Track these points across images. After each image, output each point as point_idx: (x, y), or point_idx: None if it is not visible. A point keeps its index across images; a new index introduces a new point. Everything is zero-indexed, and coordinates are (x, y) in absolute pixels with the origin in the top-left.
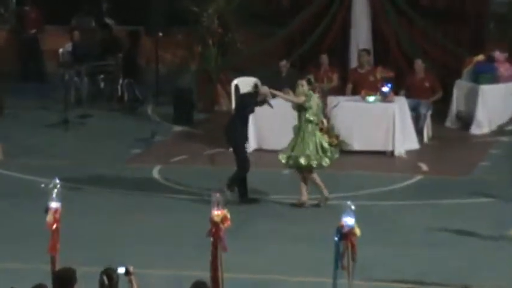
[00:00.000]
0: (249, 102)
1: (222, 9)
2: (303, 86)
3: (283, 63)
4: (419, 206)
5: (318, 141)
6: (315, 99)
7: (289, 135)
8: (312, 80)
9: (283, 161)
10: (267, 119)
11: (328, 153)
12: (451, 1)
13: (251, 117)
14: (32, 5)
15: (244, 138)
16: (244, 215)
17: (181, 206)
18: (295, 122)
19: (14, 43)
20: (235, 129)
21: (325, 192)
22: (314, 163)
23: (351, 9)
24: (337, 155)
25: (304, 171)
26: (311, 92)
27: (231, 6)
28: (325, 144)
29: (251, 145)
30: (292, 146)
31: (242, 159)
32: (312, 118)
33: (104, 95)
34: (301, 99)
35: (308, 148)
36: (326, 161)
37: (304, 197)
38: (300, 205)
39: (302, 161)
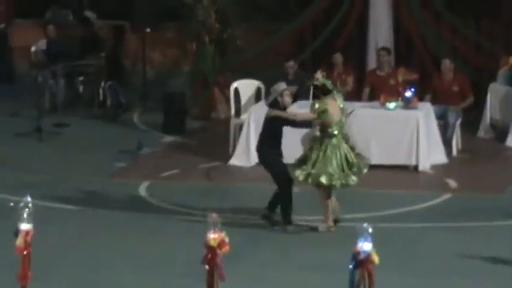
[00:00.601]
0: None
1: (220, 1)
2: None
3: (291, 64)
4: (447, 229)
5: (342, 155)
6: (332, 104)
7: (295, 148)
8: (322, 80)
9: (301, 178)
10: None
11: (354, 169)
12: None
13: (252, 127)
14: None
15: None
16: (245, 238)
17: (171, 228)
18: (301, 132)
19: None
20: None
21: (330, 221)
22: (338, 183)
23: (368, 1)
24: (365, 169)
25: (325, 190)
26: (324, 100)
27: None
28: (351, 158)
29: (254, 158)
30: (314, 161)
31: (276, 175)
32: (334, 131)
33: (83, 100)
34: (309, 115)
35: (331, 165)
36: (353, 179)
37: (330, 219)
38: (327, 230)
39: (323, 180)
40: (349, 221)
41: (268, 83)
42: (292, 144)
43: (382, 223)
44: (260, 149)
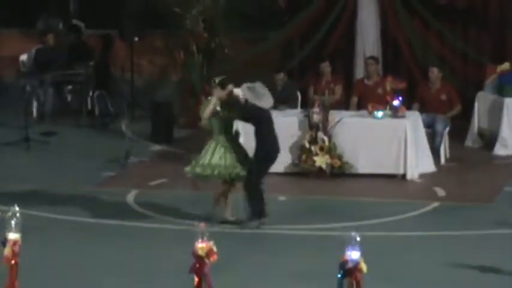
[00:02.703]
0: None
1: (208, 10)
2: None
3: (280, 76)
4: (435, 238)
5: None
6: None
7: (283, 157)
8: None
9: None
10: None
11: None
12: (472, 0)
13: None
14: None
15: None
16: (233, 247)
17: (159, 236)
18: (293, 140)
19: None
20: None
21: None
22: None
23: (356, 9)
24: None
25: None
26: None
27: (219, 6)
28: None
29: None
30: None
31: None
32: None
33: (71, 109)
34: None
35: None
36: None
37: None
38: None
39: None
40: (338, 229)
41: None
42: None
43: (370, 232)
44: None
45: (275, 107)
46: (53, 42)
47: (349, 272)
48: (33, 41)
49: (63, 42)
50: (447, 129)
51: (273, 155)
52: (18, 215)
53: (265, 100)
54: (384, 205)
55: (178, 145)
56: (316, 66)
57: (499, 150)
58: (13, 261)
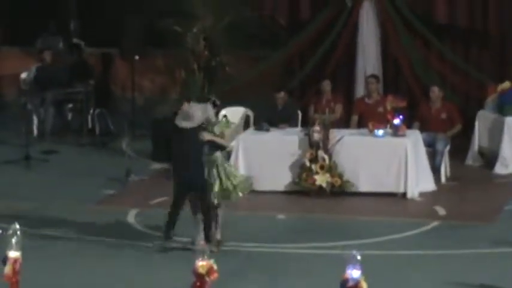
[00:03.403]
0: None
1: (209, 28)
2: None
3: (281, 95)
4: (435, 257)
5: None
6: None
7: (284, 175)
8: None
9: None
10: (259, 157)
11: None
12: (472, 20)
13: (241, 154)
14: None
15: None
16: (234, 266)
17: (160, 255)
18: (293, 159)
19: None
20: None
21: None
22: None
23: (357, 27)
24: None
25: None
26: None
27: (220, 25)
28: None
29: None
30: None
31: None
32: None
33: (71, 128)
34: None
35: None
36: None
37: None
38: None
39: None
40: (338, 248)
41: (257, 110)
42: (281, 171)
43: (371, 250)
44: (201, 172)
45: (276, 125)
46: (50, 60)
47: None
48: (34, 59)
49: (64, 60)
50: (447, 148)
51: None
52: (18, 233)
53: (190, 121)
54: (384, 224)
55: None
56: (316, 85)
57: (500, 169)
58: (14, 279)
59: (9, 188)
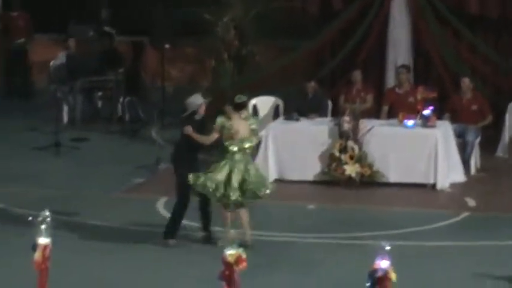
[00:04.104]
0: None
1: (239, 17)
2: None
3: (311, 85)
4: (465, 248)
5: (241, 172)
6: (237, 121)
7: (313, 165)
8: (238, 96)
9: (192, 182)
10: (288, 147)
11: (248, 193)
12: (505, 9)
13: (271, 145)
14: (20, 11)
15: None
16: (263, 255)
17: (189, 244)
18: (323, 149)
19: None
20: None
21: (229, 235)
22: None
23: (388, 18)
24: (263, 194)
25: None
26: (230, 115)
27: (250, 14)
28: (250, 179)
29: (273, 174)
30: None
31: (180, 186)
32: (233, 148)
33: (101, 115)
34: (212, 137)
35: (220, 176)
36: (236, 195)
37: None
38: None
39: (200, 187)
40: (367, 238)
41: (287, 99)
42: (311, 161)
43: (400, 241)
44: (174, 157)
45: (305, 115)
46: (74, 47)
47: (378, 280)
48: (61, 47)
49: (93, 48)
50: (478, 139)
51: None
52: (48, 219)
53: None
54: (413, 214)
55: (209, 151)
56: (347, 75)
57: None
58: (43, 266)
59: (39, 175)
